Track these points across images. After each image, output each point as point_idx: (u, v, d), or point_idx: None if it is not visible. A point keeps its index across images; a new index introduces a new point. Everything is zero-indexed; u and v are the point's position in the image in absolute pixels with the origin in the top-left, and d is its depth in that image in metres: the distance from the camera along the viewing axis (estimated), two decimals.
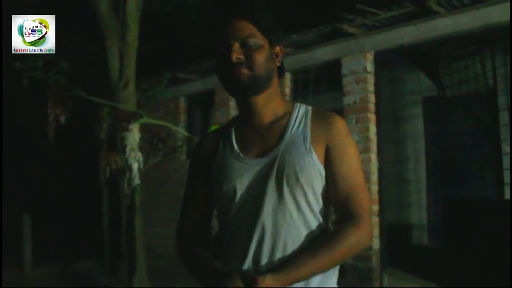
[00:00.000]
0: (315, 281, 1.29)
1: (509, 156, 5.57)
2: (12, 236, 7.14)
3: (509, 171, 5.60)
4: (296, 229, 1.30)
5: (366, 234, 1.31)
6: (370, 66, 5.15)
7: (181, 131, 5.25)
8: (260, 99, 1.37)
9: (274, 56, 1.38)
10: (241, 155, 1.36)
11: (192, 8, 7.01)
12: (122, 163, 4.32)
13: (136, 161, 4.13)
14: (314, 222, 1.33)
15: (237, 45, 1.30)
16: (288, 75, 5.91)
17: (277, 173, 1.30)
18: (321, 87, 5.70)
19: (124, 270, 5.02)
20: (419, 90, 6.84)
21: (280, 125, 1.38)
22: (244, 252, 1.30)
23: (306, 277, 1.25)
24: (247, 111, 1.40)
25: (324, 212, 1.36)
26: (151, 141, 4.96)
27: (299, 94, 5.97)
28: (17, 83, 4.43)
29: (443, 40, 4.92)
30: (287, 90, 5.88)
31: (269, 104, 1.39)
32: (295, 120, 1.38)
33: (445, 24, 4.66)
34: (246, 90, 1.34)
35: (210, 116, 7.66)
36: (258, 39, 1.32)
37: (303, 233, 1.30)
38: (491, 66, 5.94)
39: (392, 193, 6.54)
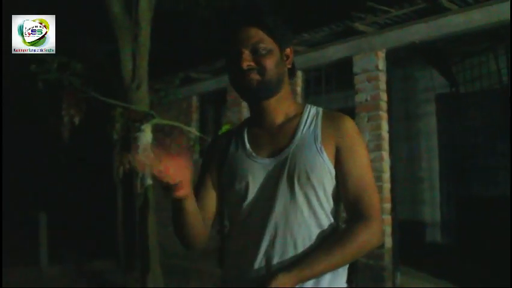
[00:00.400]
0: (326, 279, 1.31)
1: None
2: (28, 234, 7.26)
3: None
4: (307, 227, 1.32)
5: (377, 233, 1.32)
6: (382, 64, 5.13)
7: (192, 130, 5.29)
8: (271, 102, 1.40)
9: (284, 58, 1.41)
10: (254, 154, 1.39)
11: (204, 7, 7.05)
12: (135, 163, 4.35)
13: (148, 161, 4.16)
14: (325, 221, 1.35)
15: (247, 52, 1.33)
16: (299, 74, 5.91)
17: (289, 172, 1.32)
18: (333, 85, 5.69)
19: (138, 269, 5.08)
20: (432, 87, 6.80)
21: (291, 125, 1.40)
22: (256, 250, 1.32)
23: (318, 275, 1.27)
24: (258, 114, 1.43)
25: (335, 211, 1.38)
26: (164, 141, 4.99)
27: (311, 92, 5.98)
28: (32, 85, 4.49)
29: (455, 37, 4.89)
30: (299, 89, 5.89)
31: (280, 106, 1.41)
32: (306, 121, 1.40)
33: (457, 21, 4.63)
34: (257, 96, 1.37)
35: (222, 114, 7.69)
36: (267, 44, 1.35)
37: (314, 231, 1.33)
38: (506, 63, 5.89)
39: (406, 191, 6.52)
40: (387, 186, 4.95)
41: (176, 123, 4.90)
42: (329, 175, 1.34)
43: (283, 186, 1.32)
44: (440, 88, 6.72)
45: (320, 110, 1.44)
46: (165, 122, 4.73)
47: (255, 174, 1.36)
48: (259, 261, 1.32)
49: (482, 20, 4.46)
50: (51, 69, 4.06)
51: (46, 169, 10.09)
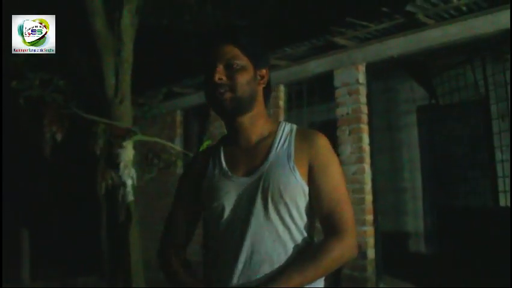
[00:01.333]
0: None
1: (501, 164, 5.62)
2: (10, 250, 7.15)
3: (502, 179, 5.66)
4: (282, 244, 1.36)
5: (350, 246, 1.36)
6: (362, 78, 5.21)
7: (175, 146, 5.30)
8: (245, 120, 1.43)
9: (258, 78, 1.45)
10: (230, 173, 1.42)
11: (188, 21, 7.09)
12: (117, 179, 4.36)
13: (129, 177, 4.17)
14: (299, 236, 1.38)
15: (220, 67, 1.38)
16: (281, 88, 5.98)
17: (263, 190, 1.36)
18: (315, 98, 5.76)
19: (122, 284, 5.04)
20: (412, 99, 6.91)
21: (266, 144, 1.43)
22: (233, 267, 1.35)
23: (298, 286, 1.29)
24: (233, 132, 1.47)
25: (309, 227, 1.42)
26: (147, 157, 5.01)
27: (293, 106, 6.03)
28: (14, 101, 4.47)
29: (433, 50, 5.00)
30: (281, 102, 5.95)
31: (254, 124, 1.45)
32: (280, 139, 1.43)
33: (434, 35, 4.74)
34: (229, 111, 1.40)
35: (206, 129, 7.72)
36: (241, 61, 1.39)
37: (289, 247, 1.36)
38: (483, 75, 6.02)
39: (388, 202, 6.58)
40: (369, 197, 5.00)
41: (158, 140, 4.92)
42: (302, 193, 1.38)
43: (257, 205, 1.36)
44: (421, 100, 6.83)
45: (294, 127, 1.48)
46: (147, 138, 4.74)
47: (231, 193, 1.39)
48: (237, 277, 1.34)
49: (458, 34, 4.57)
50: (33, 86, 4.05)
51: (28, 184, 9.97)
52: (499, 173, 5.78)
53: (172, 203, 1.57)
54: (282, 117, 5.91)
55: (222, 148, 1.50)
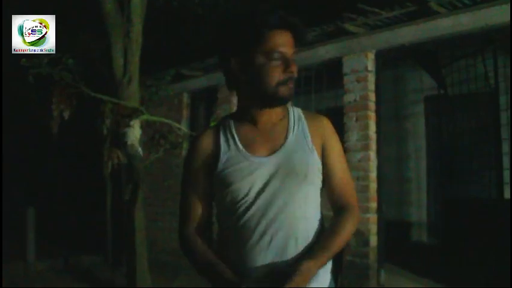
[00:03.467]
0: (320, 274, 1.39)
1: (508, 156, 5.60)
2: (16, 229, 7.23)
3: (508, 171, 5.63)
4: (305, 220, 1.41)
5: (358, 219, 1.52)
6: (371, 65, 5.18)
7: (182, 127, 5.31)
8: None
9: None
10: (249, 154, 1.42)
11: (197, 4, 7.06)
12: (123, 159, 4.39)
13: (136, 157, 4.19)
14: (317, 213, 1.47)
15: (293, 58, 1.39)
16: None
17: (287, 170, 1.39)
18: (323, 84, 5.73)
19: (126, 264, 5.09)
20: (421, 88, 6.88)
21: (282, 126, 1.47)
22: (258, 245, 1.37)
23: (327, 261, 1.38)
24: (254, 113, 1.46)
25: (320, 203, 1.49)
26: (153, 137, 5.02)
27: (301, 92, 6.01)
28: (22, 78, 4.49)
29: (444, 40, 4.95)
30: None
31: (276, 109, 1.47)
32: (294, 122, 1.48)
33: (446, 24, 4.69)
34: (283, 103, 1.45)
35: (213, 112, 7.72)
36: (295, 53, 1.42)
37: (311, 223, 1.43)
38: (493, 67, 5.96)
39: (393, 191, 6.59)
40: (373, 185, 5.00)
41: (165, 120, 4.92)
42: (319, 171, 1.44)
43: (282, 184, 1.38)
44: (429, 90, 6.79)
45: (300, 111, 1.53)
46: (154, 118, 4.75)
47: (253, 174, 1.39)
48: (264, 254, 1.36)
49: (470, 24, 4.53)
50: (42, 64, 4.06)
51: (35, 164, 10.04)
52: (506, 165, 5.75)
53: (183, 187, 1.52)
54: (289, 103, 5.90)
55: (233, 129, 1.48)
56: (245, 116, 1.48)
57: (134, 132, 4.19)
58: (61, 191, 9.79)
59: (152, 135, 5.10)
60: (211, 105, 7.57)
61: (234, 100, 6.53)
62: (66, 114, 4.37)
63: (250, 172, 1.39)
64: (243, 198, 1.39)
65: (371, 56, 5.20)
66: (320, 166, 1.45)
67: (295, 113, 1.51)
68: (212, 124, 4.05)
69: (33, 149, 9.87)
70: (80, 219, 8.95)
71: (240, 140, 1.45)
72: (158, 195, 7.50)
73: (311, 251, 1.36)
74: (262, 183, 1.39)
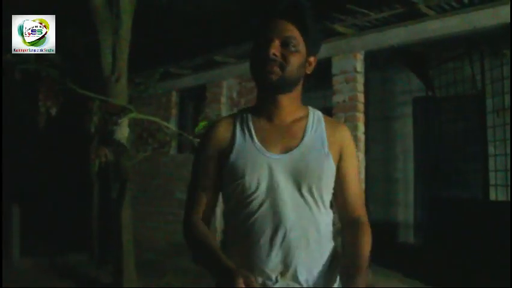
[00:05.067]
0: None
1: (494, 158, 5.66)
2: (0, 226, 7.14)
3: (494, 173, 5.70)
4: (316, 223, 1.38)
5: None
6: (360, 66, 5.21)
7: (170, 126, 5.28)
8: (284, 99, 1.43)
9: (307, 64, 1.44)
10: (264, 149, 1.40)
11: (187, 2, 7.03)
12: (111, 157, 4.35)
13: (124, 155, 4.16)
14: (328, 218, 1.44)
15: (277, 42, 1.36)
16: None
17: (300, 171, 1.37)
18: (311, 84, 5.75)
19: (112, 263, 5.06)
20: (409, 90, 6.92)
21: (300, 126, 1.44)
22: (270, 243, 1.34)
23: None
24: (269, 107, 1.45)
25: (331, 210, 1.47)
26: (141, 136, 4.99)
27: None
28: (8, 74, 4.43)
29: (432, 42, 4.99)
30: None
31: (291, 105, 1.45)
32: (312, 124, 1.45)
33: (434, 27, 4.73)
34: (273, 88, 1.39)
35: (201, 110, 7.71)
36: (298, 43, 1.38)
37: (322, 227, 1.40)
38: (480, 69, 6.03)
39: (380, 191, 6.63)
40: (361, 186, 5.02)
41: (153, 118, 4.89)
42: (333, 178, 1.43)
43: (294, 184, 1.37)
44: (417, 91, 6.84)
45: (321, 114, 1.51)
46: (143, 116, 4.72)
47: (266, 169, 1.38)
48: (275, 253, 1.34)
49: (458, 27, 4.57)
50: (29, 59, 4.01)
51: (20, 160, 9.93)
52: (491, 167, 5.83)
53: (193, 174, 1.50)
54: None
55: (250, 122, 1.47)
56: (262, 111, 1.46)
57: (122, 131, 4.16)
58: (47, 189, 9.68)
59: (141, 133, 5.08)
60: (199, 104, 7.56)
61: (223, 99, 6.53)
62: (53, 111, 4.33)
63: (263, 167, 1.37)
64: (253, 192, 1.37)
65: (360, 56, 5.23)
66: (334, 173, 1.43)
67: (316, 115, 1.48)
68: (201, 123, 4.06)
69: (18, 145, 9.75)
70: (66, 217, 8.86)
71: (255, 133, 1.44)
72: (145, 194, 7.46)
73: (355, 264, 1.35)
74: (274, 180, 1.37)
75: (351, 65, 5.20)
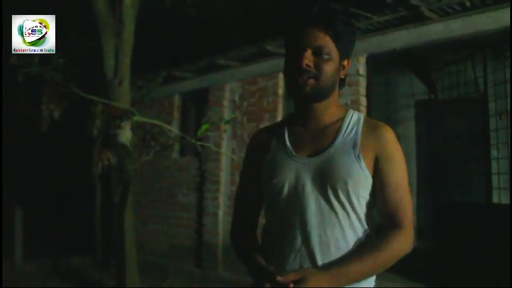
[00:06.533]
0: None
1: (497, 161, 5.65)
2: (3, 229, 7.16)
3: (497, 176, 5.69)
4: (340, 229, 1.35)
5: (409, 241, 1.39)
6: (362, 69, 5.20)
7: (172, 129, 5.29)
8: (319, 106, 1.43)
9: (341, 68, 1.44)
10: (293, 152, 1.42)
11: (189, 6, 7.05)
12: (114, 160, 4.37)
13: (126, 158, 4.17)
14: (357, 224, 1.38)
15: (309, 52, 1.35)
16: (281, 76, 5.96)
17: (326, 174, 1.36)
18: None
19: (114, 266, 5.07)
20: (411, 93, 6.91)
21: (333, 129, 1.43)
22: (290, 246, 1.36)
23: (351, 282, 1.31)
24: (303, 114, 1.46)
25: (367, 217, 1.42)
26: (144, 139, 5.01)
27: None
28: (12, 77, 4.45)
29: (435, 45, 4.99)
30: (280, 90, 5.94)
31: (326, 110, 1.45)
32: (347, 127, 1.43)
33: (437, 30, 4.73)
34: (308, 100, 1.40)
35: (204, 114, 7.72)
36: (331, 50, 1.37)
37: (348, 233, 1.36)
38: (483, 72, 6.02)
39: None
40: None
41: (156, 121, 4.91)
42: (365, 182, 1.38)
43: (319, 187, 1.36)
44: (420, 94, 6.83)
45: (362, 116, 1.48)
46: (145, 119, 4.73)
47: (293, 172, 1.39)
48: (293, 256, 1.36)
49: (461, 30, 4.57)
50: (32, 63, 4.03)
51: (23, 163, 9.95)
52: (494, 169, 5.81)
53: (240, 177, 1.60)
54: (280, 105, 5.91)
55: (286, 127, 1.50)
56: (298, 117, 1.49)
57: (125, 134, 4.17)
58: (50, 191, 9.70)
59: (143, 136, 5.09)
60: (202, 107, 7.56)
61: (225, 103, 6.54)
62: (56, 114, 4.35)
63: (290, 170, 1.39)
64: (280, 194, 1.40)
65: (362, 60, 5.22)
66: (368, 177, 1.38)
67: (353, 117, 1.46)
68: (204, 126, 4.07)
69: (22, 148, 9.77)
70: (68, 220, 8.87)
71: (288, 137, 1.47)
72: (148, 197, 7.47)
73: (331, 265, 1.31)
74: (300, 183, 1.38)
75: (353, 68, 5.20)
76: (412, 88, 6.84)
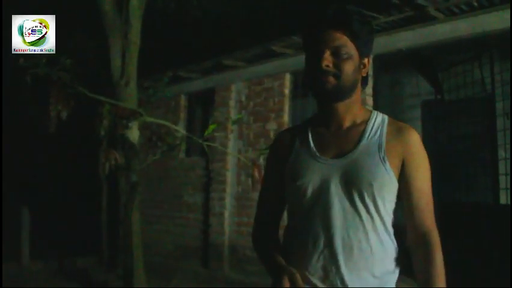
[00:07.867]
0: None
1: (504, 161, 5.62)
2: (10, 229, 7.19)
3: (504, 177, 5.66)
4: (364, 231, 1.35)
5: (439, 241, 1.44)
6: (369, 69, 5.19)
7: (179, 129, 5.30)
8: (342, 106, 1.43)
9: (361, 66, 1.44)
10: (317, 154, 1.42)
11: (195, 7, 7.07)
12: (121, 160, 4.38)
13: (134, 158, 4.18)
14: (381, 227, 1.39)
15: (327, 53, 1.36)
16: (287, 76, 5.97)
17: (351, 176, 1.36)
18: None
19: (121, 266, 5.08)
20: (418, 93, 6.89)
21: (358, 131, 1.43)
22: (313, 248, 1.36)
23: None
24: (327, 115, 1.46)
25: (391, 220, 1.43)
26: (150, 139, 5.02)
27: (298, 94, 6.03)
28: (19, 78, 4.48)
29: (441, 45, 4.97)
30: (286, 91, 5.94)
31: (349, 111, 1.44)
32: (371, 128, 1.43)
33: (443, 30, 4.72)
34: (329, 98, 1.41)
35: (210, 114, 7.74)
36: (349, 49, 1.37)
37: (371, 236, 1.36)
38: (490, 72, 5.99)
39: None
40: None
41: (163, 122, 4.92)
42: (390, 184, 1.38)
43: (343, 189, 1.36)
44: (426, 95, 6.81)
45: (386, 118, 1.47)
46: (152, 120, 4.74)
47: (317, 173, 1.39)
48: (316, 258, 1.35)
49: (467, 30, 4.56)
50: (40, 64, 4.05)
51: (30, 164, 10.00)
52: (501, 170, 5.78)
53: (264, 179, 1.60)
54: (286, 105, 5.91)
55: (310, 128, 1.50)
56: (321, 118, 1.49)
57: (133, 134, 4.18)
58: (56, 192, 9.74)
59: (150, 137, 5.10)
60: (208, 107, 7.58)
61: (232, 103, 6.55)
62: (63, 115, 4.36)
63: (315, 172, 1.39)
64: (304, 196, 1.39)
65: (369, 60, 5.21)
66: (393, 179, 1.38)
67: (378, 119, 1.46)
68: (211, 126, 4.07)
69: (28, 149, 9.82)
70: (75, 220, 8.90)
71: (312, 138, 1.46)
72: (154, 197, 7.48)
73: (434, 280, 1.38)
74: (324, 185, 1.37)
75: None
76: (418, 88, 6.83)
